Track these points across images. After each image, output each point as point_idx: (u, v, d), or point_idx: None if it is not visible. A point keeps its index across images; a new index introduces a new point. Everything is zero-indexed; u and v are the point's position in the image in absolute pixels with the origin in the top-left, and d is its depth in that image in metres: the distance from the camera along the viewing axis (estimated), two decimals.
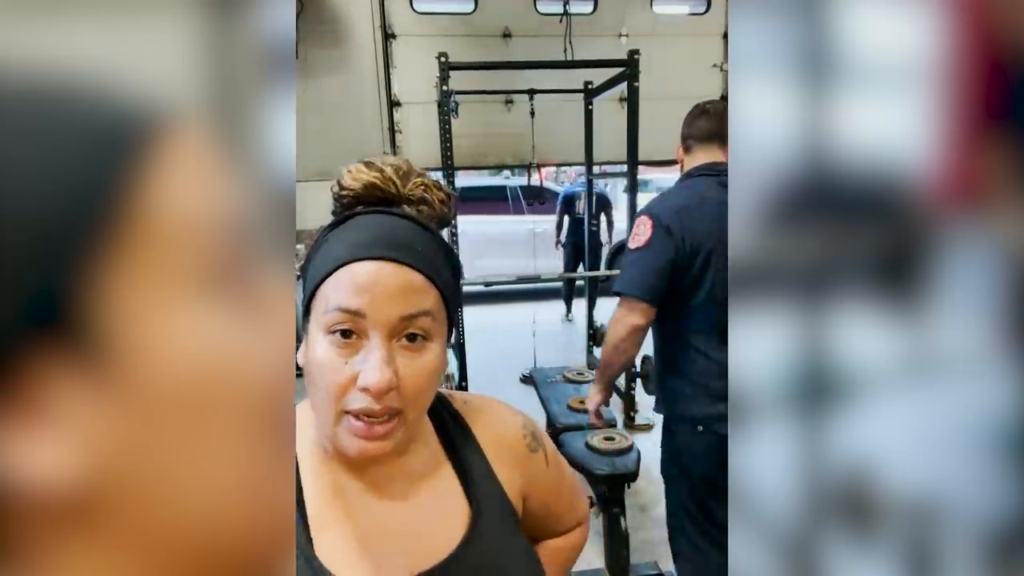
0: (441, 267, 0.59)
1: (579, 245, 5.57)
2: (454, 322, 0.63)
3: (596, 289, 4.66)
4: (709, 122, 1.73)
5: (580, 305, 5.49)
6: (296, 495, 0.60)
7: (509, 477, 0.69)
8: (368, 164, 0.61)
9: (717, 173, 1.68)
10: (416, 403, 0.58)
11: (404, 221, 0.59)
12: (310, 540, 0.58)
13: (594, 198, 4.85)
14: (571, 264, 5.90)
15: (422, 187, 0.61)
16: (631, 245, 1.63)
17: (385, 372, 0.54)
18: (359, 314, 0.55)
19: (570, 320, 6.31)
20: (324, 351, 0.55)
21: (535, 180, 4.56)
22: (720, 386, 1.64)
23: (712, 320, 1.63)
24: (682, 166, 1.77)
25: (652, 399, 4.03)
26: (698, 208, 1.62)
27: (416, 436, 0.65)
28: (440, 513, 0.64)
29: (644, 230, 1.60)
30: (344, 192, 0.60)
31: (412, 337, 0.56)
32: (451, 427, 0.69)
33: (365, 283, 0.55)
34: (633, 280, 1.60)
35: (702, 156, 1.72)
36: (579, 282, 5.89)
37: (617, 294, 1.64)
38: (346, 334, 0.55)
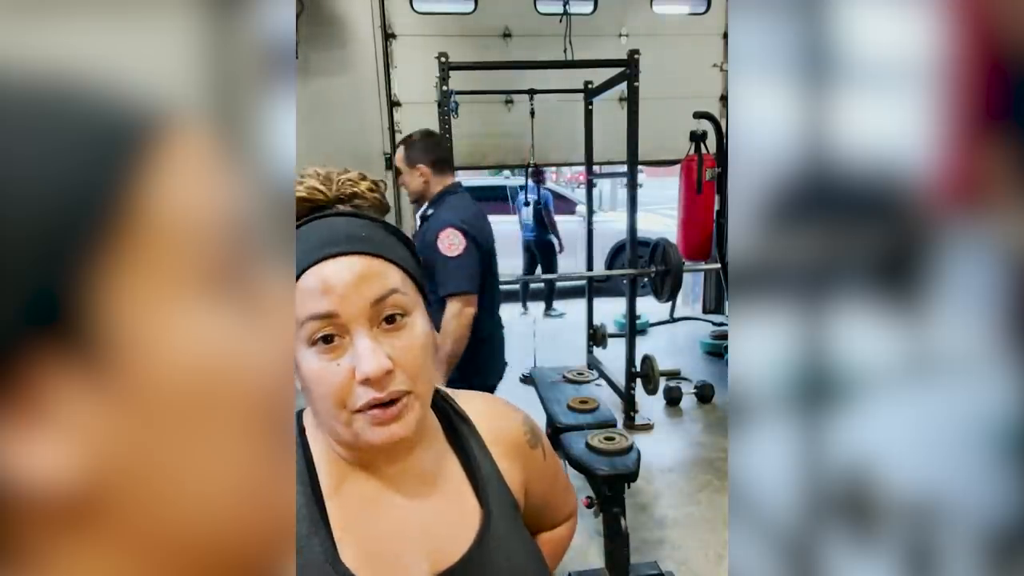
0: (392, 246, 0.60)
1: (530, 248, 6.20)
2: (427, 294, 0.64)
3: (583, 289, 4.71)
4: (447, 149, 2.34)
5: (575, 306, 5.47)
6: (318, 500, 0.61)
7: (512, 473, 0.70)
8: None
9: (460, 191, 2.26)
10: (420, 378, 0.58)
11: (340, 218, 0.60)
12: (334, 546, 0.59)
13: (539, 203, 4.94)
14: (528, 267, 6.39)
15: (348, 183, 0.62)
16: (451, 254, 2.03)
17: (379, 356, 0.54)
18: (331, 315, 0.55)
19: (525, 313, 6.31)
20: (312, 362, 0.56)
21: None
22: (494, 357, 2.29)
23: (488, 303, 2.17)
24: (428, 184, 2.21)
25: (652, 399, 4.03)
26: (480, 216, 2.18)
27: (425, 434, 0.66)
28: (453, 512, 0.65)
29: (459, 240, 2.04)
30: None
31: (391, 319, 0.57)
32: (457, 425, 0.70)
33: (326, 284, 0.55)
34: (464, 279, 2.02)
35: (450, 177, 2.24)
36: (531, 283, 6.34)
37: (454, 294, 2.02)
38: (327, 339, 0.55)
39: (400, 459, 0.64)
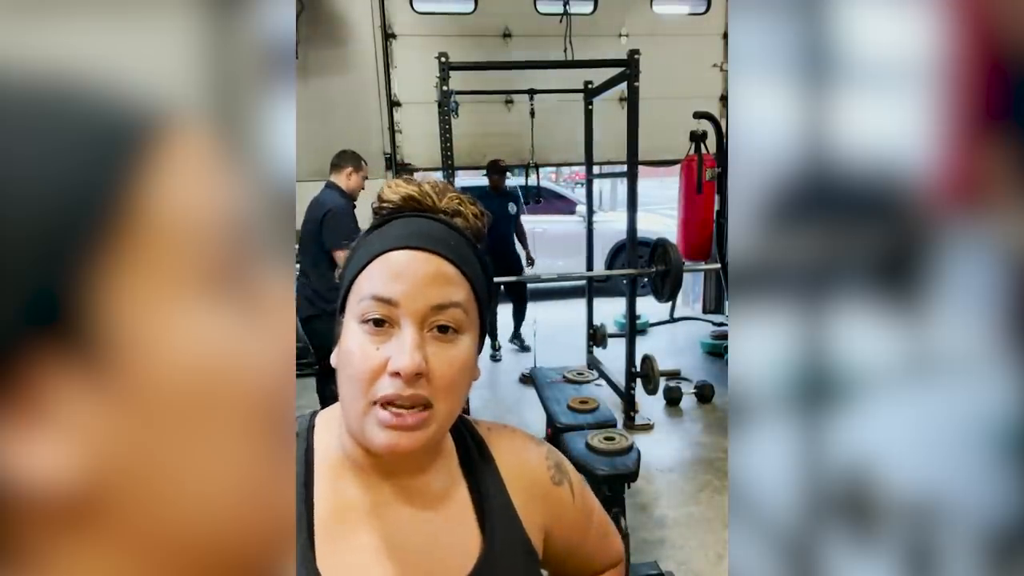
0: (474, 265, 0.61)
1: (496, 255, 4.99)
2: (486, 324, 0.63)
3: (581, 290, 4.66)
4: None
5: (575, 306, 5.47)
6: (307, 505, 0.59)
7: (529, 511, 0.67)
8: (407, 180, 0.64)
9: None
10: (447, 395, 0.57)
11: (439, 223, 0.61)
12: (312, 550, 0.58)
13: (515, 206, 4.74)
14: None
15: (457, 201, 0.64)
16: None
17: (415, 356, 0.54)
18: (391, 302, 0.56)
19: (498, 359, 4.98)
20: (356, 338, 0.57)
21: (533, 180, 4.56)
22: None
23: None
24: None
25: (652, 399, 4.03)
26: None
27: (439, 457, 0.65)
28: (451, 540, 0.63)
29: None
30: (384, 204, 0.63)
31: (443, 328, 0.57)
32: (473, 452, 0.68)
33: (398, 271, 0.57)
34: (348, 235, 2.79)
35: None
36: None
37: (340, 246, 2.53)
38: (378, 323, 0.56)
39: (408, 475, 0.62)
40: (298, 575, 0.56)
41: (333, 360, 0.60)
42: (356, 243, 0.63)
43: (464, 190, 0.67)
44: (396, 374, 0.54)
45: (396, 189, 0.62)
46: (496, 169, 4.70)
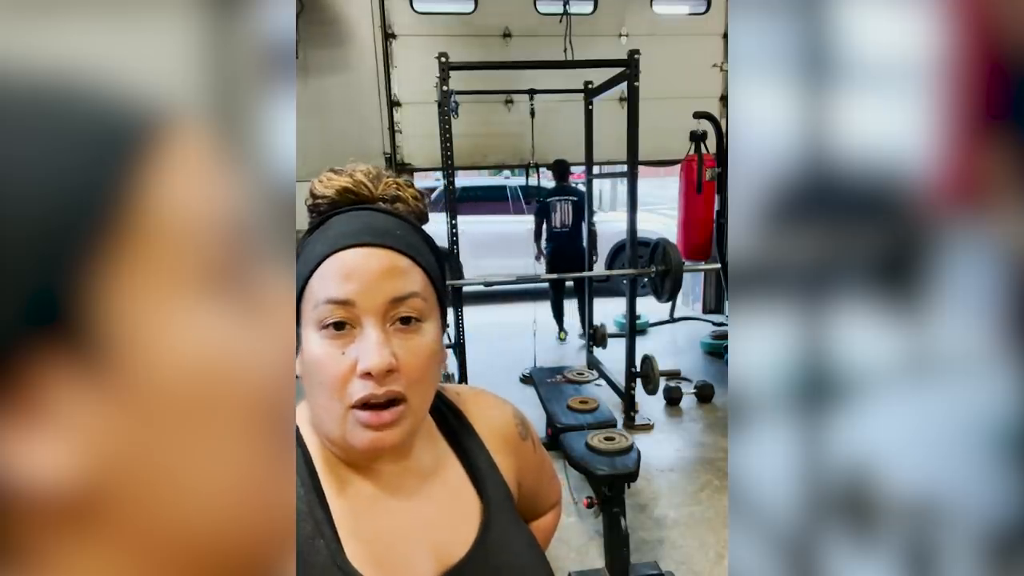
0: (424, 251, 0.60)
1: (559, 255, 4.98)
2: (446, 308, 0.64)
3: (591, 290, 4.67)
4: None
5: (576, 306, 5.45)
6: (320, 501, 0.60)
7: (505, 464, 0.71)
8: (337, 172, 0.62)
9: None
10: (418, 387, 0.58)
11: (381, 214, 0.60)
12: (340, 547, 0.58)
13: (572, 203, 4.80)
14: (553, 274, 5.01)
15: (394, 186, 0.63)
16: None
17: (383, 353, 0.54)
18: (348, 303, 0.55)
19: (563, 339, 5.41)
20: (319, 346, 0.56)
21: (533, 180, 4.56)
22: None
23: None
24: None
25: (652, 399, 4.04)
26: None
27: (422, 433, 0.66)
28: (454, 507, 0.66)
29: None
30: (319, 200, 0.61)
31: (405, 320, 0.57)
32: (451, 421, 0.71)
33: (350, 271, 0.55)
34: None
35: None
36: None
37: None
38: (339, 326, 0.55)
39: (400, 458, 0.64)
40: (333, 574, 0.57)
41: (296, 369, 0.59)
42: (297, 247, 0.61)
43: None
44: (367, 375, 0.54)
45: (328, 183, 0.61)
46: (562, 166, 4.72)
